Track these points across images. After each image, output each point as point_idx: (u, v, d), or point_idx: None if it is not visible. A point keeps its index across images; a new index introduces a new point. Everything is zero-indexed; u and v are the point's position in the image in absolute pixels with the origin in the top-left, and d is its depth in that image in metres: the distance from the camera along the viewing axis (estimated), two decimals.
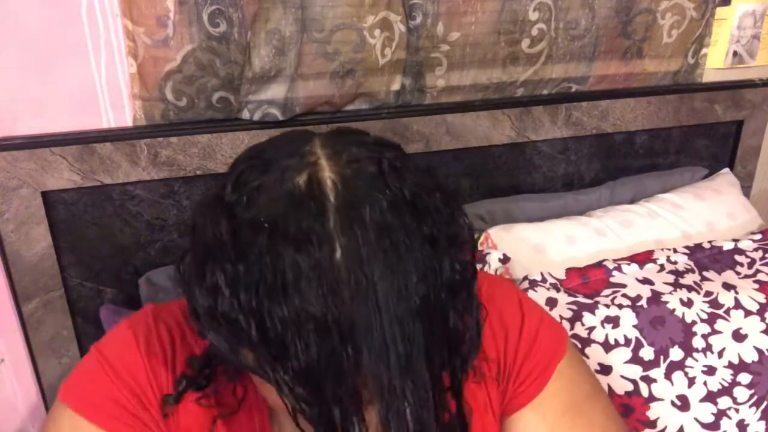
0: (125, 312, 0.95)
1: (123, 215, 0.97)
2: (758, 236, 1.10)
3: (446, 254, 0.45)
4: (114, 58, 0.90)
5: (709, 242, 1.08)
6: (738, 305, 0.95)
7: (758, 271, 1.02)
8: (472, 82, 1.10)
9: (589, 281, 0.99)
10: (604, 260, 1.03)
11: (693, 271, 1.02)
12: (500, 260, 1.00)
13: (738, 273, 1.02)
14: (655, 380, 0.90)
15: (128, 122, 0.94)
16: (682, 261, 1.04)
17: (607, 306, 0.93)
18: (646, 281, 0.98)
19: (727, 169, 1.34)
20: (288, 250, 0.41)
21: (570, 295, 0.95)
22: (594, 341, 0.90)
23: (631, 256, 1.05)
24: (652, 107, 1.24)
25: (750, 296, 0.96)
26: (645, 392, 0.89)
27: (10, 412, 1.03)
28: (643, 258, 1.04)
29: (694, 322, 0.93)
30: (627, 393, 0.89)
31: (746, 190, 1.38)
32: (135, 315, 0.64)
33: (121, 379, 0.58)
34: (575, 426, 0.64)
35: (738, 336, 0.93)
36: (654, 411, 0.89)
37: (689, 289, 0.97)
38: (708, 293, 0.96)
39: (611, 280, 0.99)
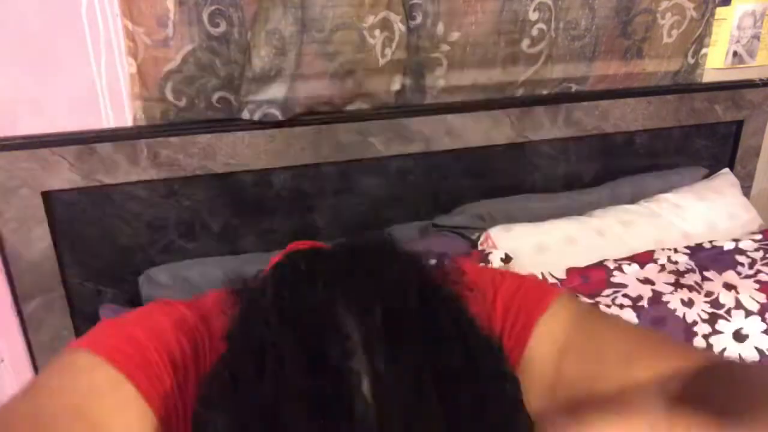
0: (125, 312, 0.95)
1: (123, 215, 0.97)
2: (759, 236, 1.10)
3: None
4: (114, 58, 0.90)
5: (710, 242, 1.08)
6: (739, 305, 0.95)
7: (759, 271, 1.02)
8: (472, 82, 1.10)
9: (589, 281, 0.99)
10: (604, 260, 1.03)
11: (694, 271, 1.01)
12: (502, 260, 1.00)
13: (739, 273, 1.02)
14: None
15: (128, 122, 0.94)
16: (683, 261, 1.03)
17: (608, 306, 0.93)
18: (646, 281, 0.98)
19: (727, 169, 1.34)
20: None
21: None
22: None
23: (631, 256, 1.05)
24: (652, 107, 1.24)
25: (751, 296, 0.96)
26: None
27: None
28: (643, 258, 1.04)
29: (695, 322, 0.93)
30: None
31: (746, 190, 1.38)
32: (151, 303, 0.59)
33: (151, 331, 0.52)
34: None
35: (739, 336, 0.93)
36: None
37: (690, 289, 0.97)
38: (709, 293, 0.96)
39: (612, 280, 0.99)
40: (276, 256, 0.57)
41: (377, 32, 0.98)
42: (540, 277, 0.98)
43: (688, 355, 0.51)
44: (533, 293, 0.62)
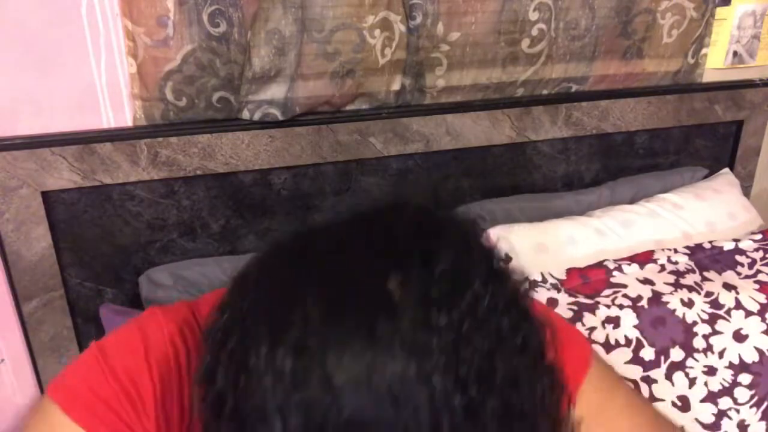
0: (125, 312, 0.95)
1: (123, 215, 0.97)
2: (759, 236, 1.10)
3: None
4: (114, 58, 0.90)
5: (710, 242, 1.08)
6: (739, 305, 0.95)
7: (759, 271, 1.02)
8: (472, 82, 1.10)
9: (589, 281, 0.99)
10: (604, 260, 1.03)
11: (694, 272, 1.01)
12: (502, 260, 1.00)
13: (739, 273, 1.02)
14: (655, 381, 0.89)
15: (128, 122, 0.94)
16: (683, 261, 1.03)
17: (608, 306, 0.93)
18: (646, 281, 0.98)
19: (727, 169, 1.34)
20: None
21: (570, 295, 0.95)
22: (594, 342, 0.90)
23: (631, 257, 1.05)
24: (652, 107, 1.24)
25: (751, 296, 0.96)
26: (645, 393, 0.89)
27: (9, 412, 1.02)
28: (643, 258, 1.04)
29: (694, 323, 0.93)
30: None
31: (746, 190, 1.38)
32: (142, 317, 0.59)
33: (119, 381, 0.53)
34: None
35: (739, 336, 0.93)
36: None
37: (690, 289, 0.97)
38: (709, 293, 0.96)
39: (612, 280, 0.99)
40: None
41: (377, 32, 0.98)
42: (540, 277, 0.98)
43: None
44: (576, 347, 0.65)
